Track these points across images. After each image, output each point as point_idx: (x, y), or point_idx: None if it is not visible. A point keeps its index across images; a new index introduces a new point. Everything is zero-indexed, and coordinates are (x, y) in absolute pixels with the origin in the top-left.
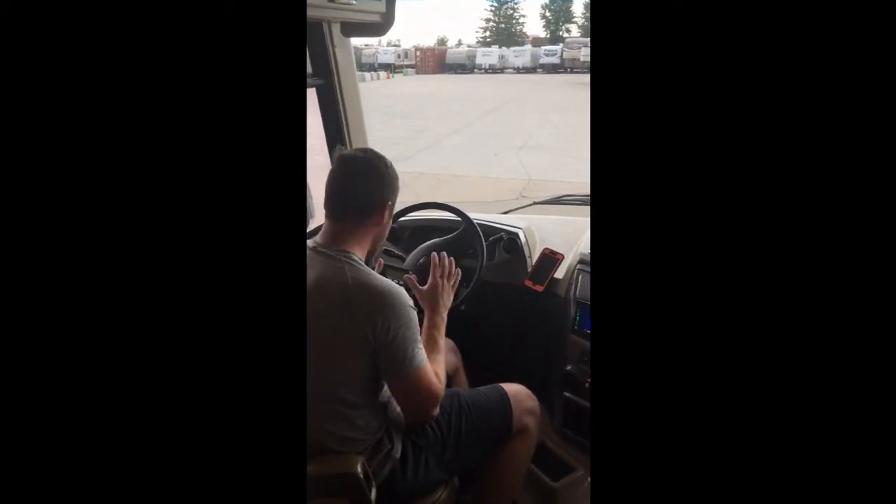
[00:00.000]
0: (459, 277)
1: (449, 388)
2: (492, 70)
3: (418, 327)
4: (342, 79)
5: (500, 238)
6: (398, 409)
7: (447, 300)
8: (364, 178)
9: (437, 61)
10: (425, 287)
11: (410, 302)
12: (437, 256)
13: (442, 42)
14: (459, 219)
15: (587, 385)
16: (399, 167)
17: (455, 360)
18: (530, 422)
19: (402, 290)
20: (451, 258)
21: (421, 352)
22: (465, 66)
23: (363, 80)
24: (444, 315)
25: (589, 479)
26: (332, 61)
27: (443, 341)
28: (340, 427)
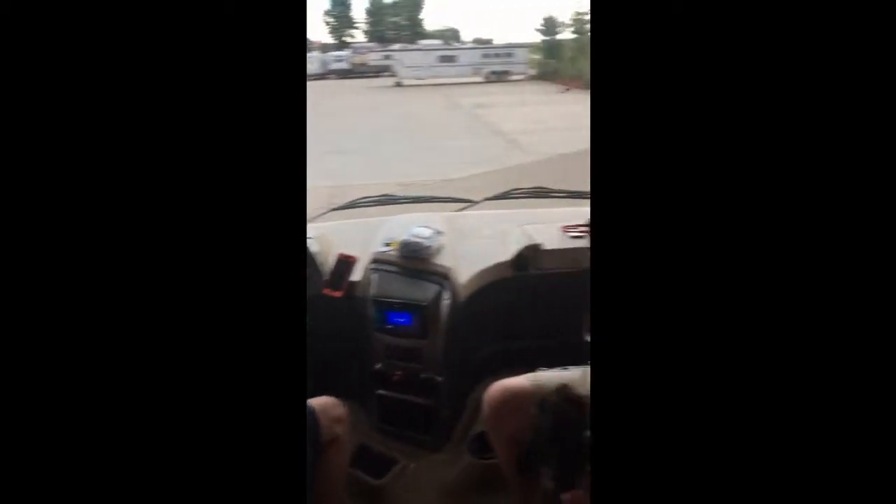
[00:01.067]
0: None
1: None
2: None
3: None
4: None
5: None
6: None
7: None
8: None
9: None
10: None
11: None
12: None
13: None
14: None
15: (395, 378)
16: None
17: None
18: (339, 429)
19: None
20: None
21: None
22: None
23: None
24: None
25: (412, 465)
26: None
27: None
28: None
